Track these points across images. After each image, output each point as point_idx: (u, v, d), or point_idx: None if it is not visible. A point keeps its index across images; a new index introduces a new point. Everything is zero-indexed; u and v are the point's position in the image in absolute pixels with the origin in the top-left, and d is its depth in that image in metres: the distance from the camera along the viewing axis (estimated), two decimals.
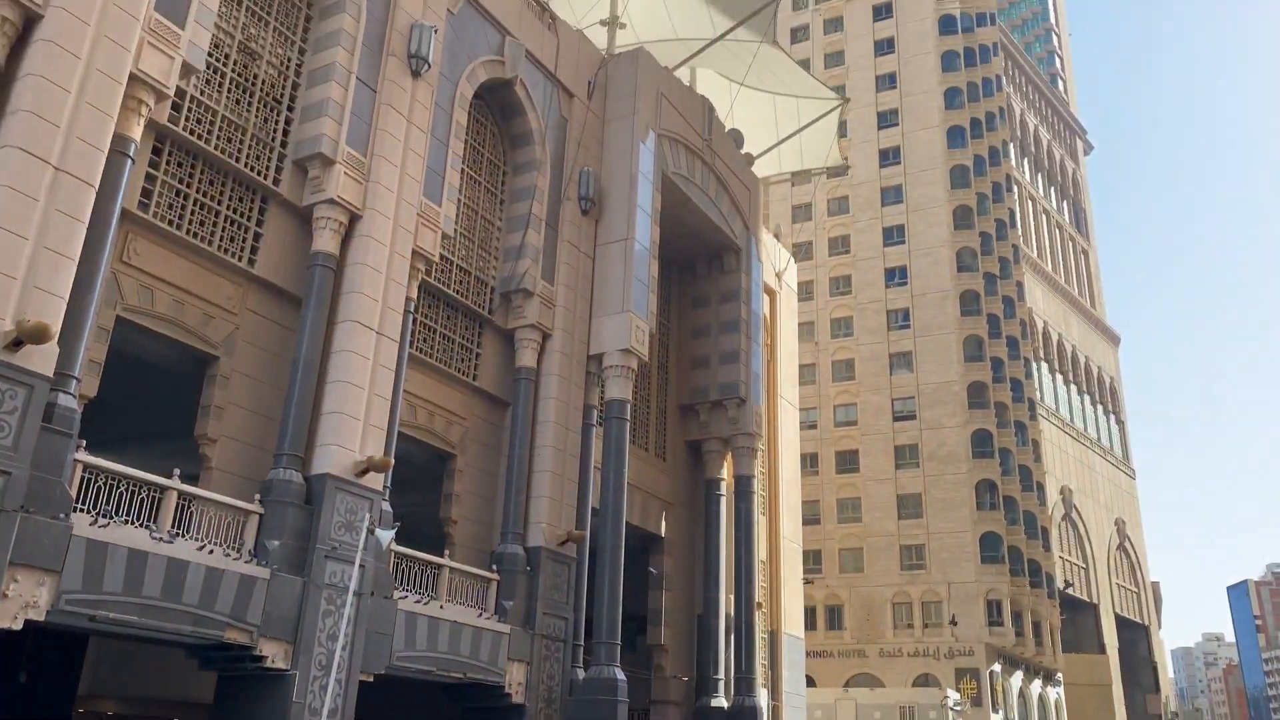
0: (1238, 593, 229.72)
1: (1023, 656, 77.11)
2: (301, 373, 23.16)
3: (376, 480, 23.83)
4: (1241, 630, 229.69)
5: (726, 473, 40.95)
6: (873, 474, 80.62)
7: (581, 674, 29.52)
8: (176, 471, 20.35)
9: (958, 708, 63.13)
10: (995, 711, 72.40)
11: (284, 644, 21.23)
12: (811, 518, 75.89)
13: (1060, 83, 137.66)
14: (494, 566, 28.47)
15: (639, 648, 38.62)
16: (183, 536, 19.80)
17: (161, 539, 19.22)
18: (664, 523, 39.15)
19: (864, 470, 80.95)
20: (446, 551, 27.57)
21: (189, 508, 20.33)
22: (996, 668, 74.15)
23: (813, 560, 76.20)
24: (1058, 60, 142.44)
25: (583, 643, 30.14)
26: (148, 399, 26.66)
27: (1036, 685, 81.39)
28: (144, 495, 19.51)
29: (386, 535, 21.14)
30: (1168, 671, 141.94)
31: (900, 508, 78.95)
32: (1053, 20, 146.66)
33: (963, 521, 76.27)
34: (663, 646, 37.99)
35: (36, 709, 28.75)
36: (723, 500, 40.21)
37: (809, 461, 77.63)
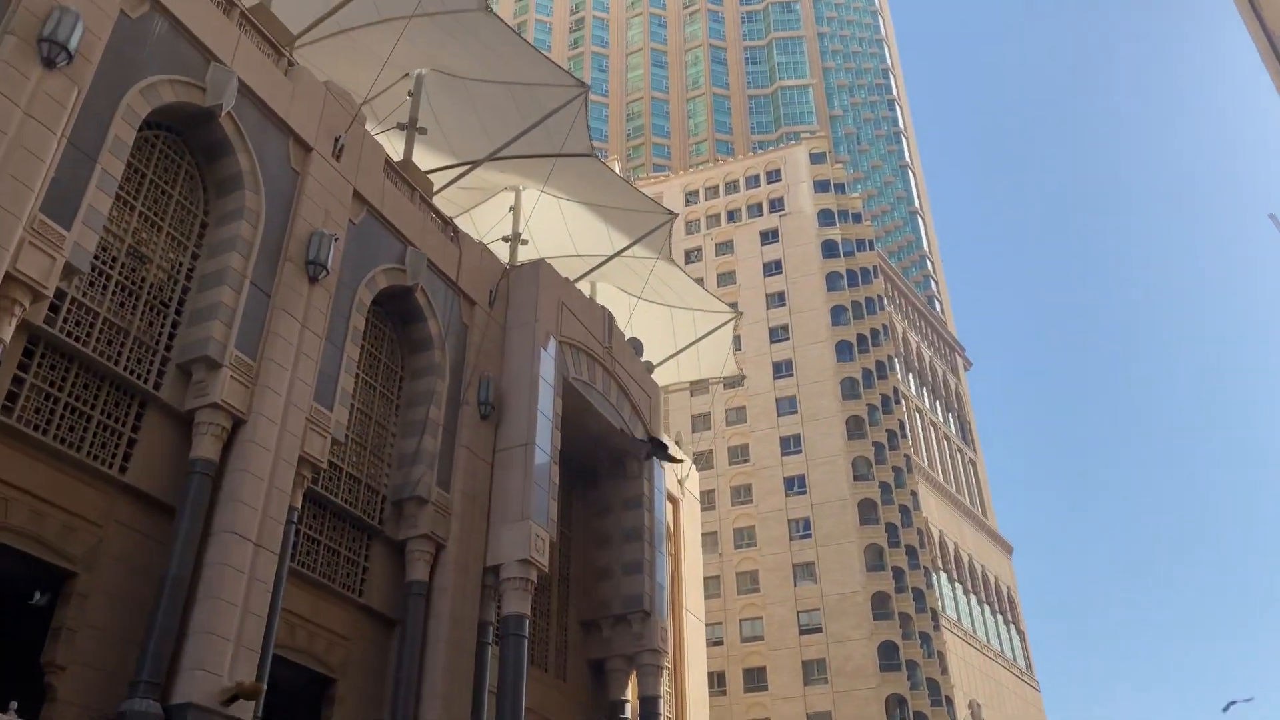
0: None
1: None
2: (169, 588, 21.26)
3: (246, 710, 21.56)
4: None
5: (631, 694, 38.76)
6: (781, 692, 77.88)
7: None
8: (14, 705, 18.02)
9: None
10: None
11: None
12: None
13: (937, 304, 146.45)
14: None
15: None
16: None
17: None
18: None
19: (772, 689, 78.20)
20: None
21: None
22: None
23: None
24: (933, 283, 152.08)
25: None
26: None
27: None
28: None
29: None
30: None
31: None
32: (926, 247, 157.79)
33: None
34: None
35: None
36: None
37: (716, 680, 74.77)
